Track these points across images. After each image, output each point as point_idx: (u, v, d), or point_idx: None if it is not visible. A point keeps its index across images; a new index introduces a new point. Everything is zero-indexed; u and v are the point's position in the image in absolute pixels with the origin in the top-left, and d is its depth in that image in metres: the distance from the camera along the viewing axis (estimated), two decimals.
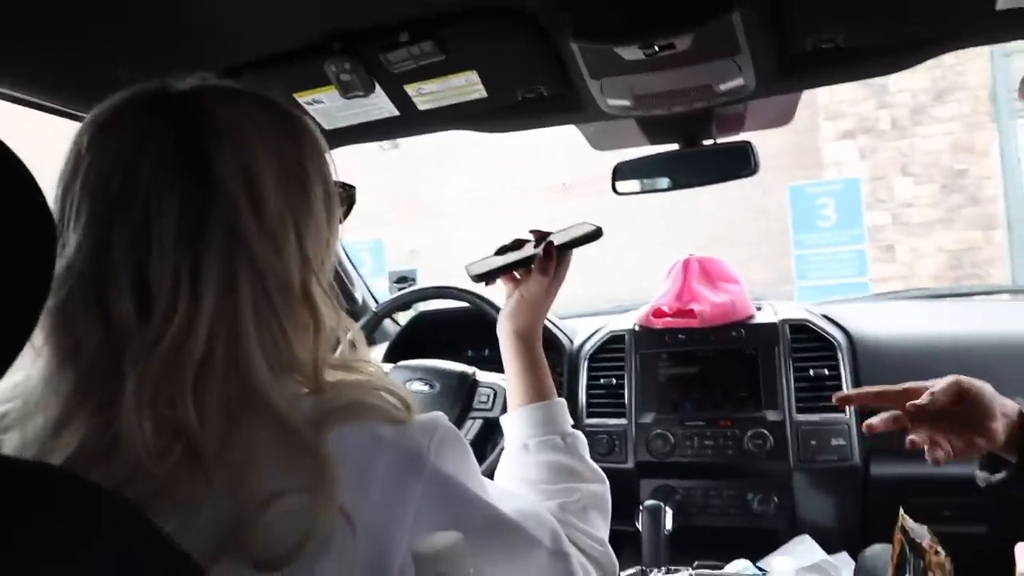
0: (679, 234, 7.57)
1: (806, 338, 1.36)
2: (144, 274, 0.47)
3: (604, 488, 0.77)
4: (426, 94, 1.06)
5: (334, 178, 0.58)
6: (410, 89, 1.04)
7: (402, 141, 8.66)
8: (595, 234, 0.84)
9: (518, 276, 0.84)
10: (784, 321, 1.39)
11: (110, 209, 0.48)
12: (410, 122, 1.13)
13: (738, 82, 1.02)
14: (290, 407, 0.48)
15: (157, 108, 0.50)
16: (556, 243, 0.82)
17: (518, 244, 0.86)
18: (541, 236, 0.85)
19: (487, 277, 0.84)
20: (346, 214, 0.63)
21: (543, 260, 0.81)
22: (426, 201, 8.84)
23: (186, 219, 0.47)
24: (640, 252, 7.92)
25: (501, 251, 0.86)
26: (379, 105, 1.07)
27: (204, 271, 0.47)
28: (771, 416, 1.32)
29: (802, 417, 1.30)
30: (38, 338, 0.47)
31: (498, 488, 0.62)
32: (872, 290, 4.81)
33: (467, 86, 1.05)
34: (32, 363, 0.48)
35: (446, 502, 0.53)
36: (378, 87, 1.01)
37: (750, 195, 7.64)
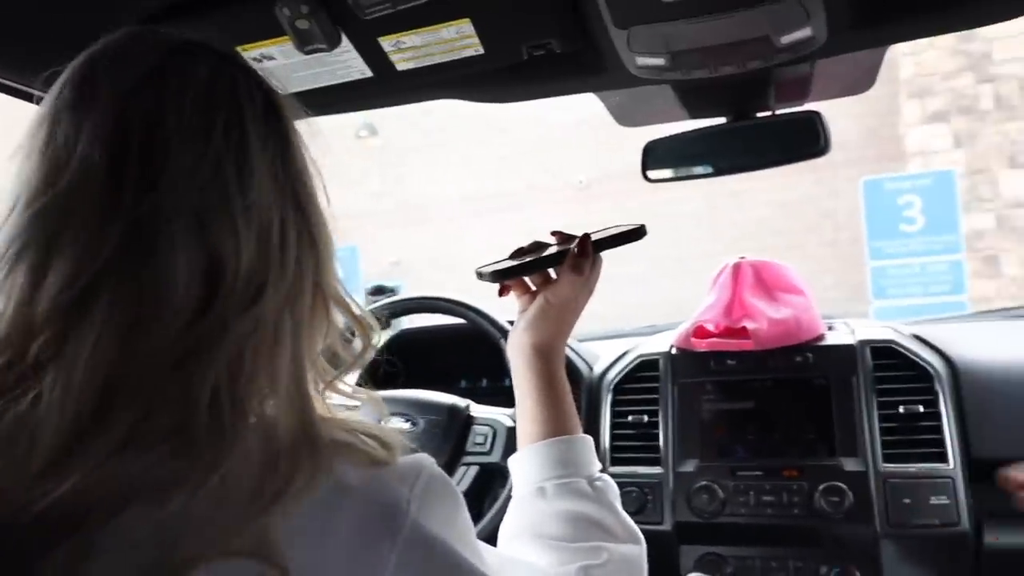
0: (721, 243, 7.60)
1: (894, 365, 1.34)
2: (252, 225, 0.52)
3: (640, 550, 0.76)
4: (406, 49, 1.04)
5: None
6: (386, 42, 1.02)
7: (384, 128, 8.73)
8: (637, 232, 0.87)
9: (533, 287, 0.86)
10: (865, 343, 1.36)
11: (219, 149, 0.52)
12: (387, 86, 1.12)
13: (805, 32, 1.00)
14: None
15: (230, 58, 0.58)
16: (593, 239, 0.84)
17: (538, 247, 0.87)
18: (565, 239, 0.87)
19: (509, 275, 0.84)
20: None
21: (578, 257, 0.82)
22: (412, 203, 8.89)
23: (278, 183, 0.55)
24: (673, 266, 7.95)
25: (518, 255, 0.87)
26: (347, 63, 1.06)
27: (290, 237, 0.54)
28: (849, 465, 1.29)
29: (891, 467, 1.27)
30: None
31: (498, 555, 0.62)
32: (970, 311, 4.77)
33: (459, 39, 1.03)
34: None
35: (428, 571, 0.52)
36: (345, 39, 0.99)
37: (812, 194, 7.67)
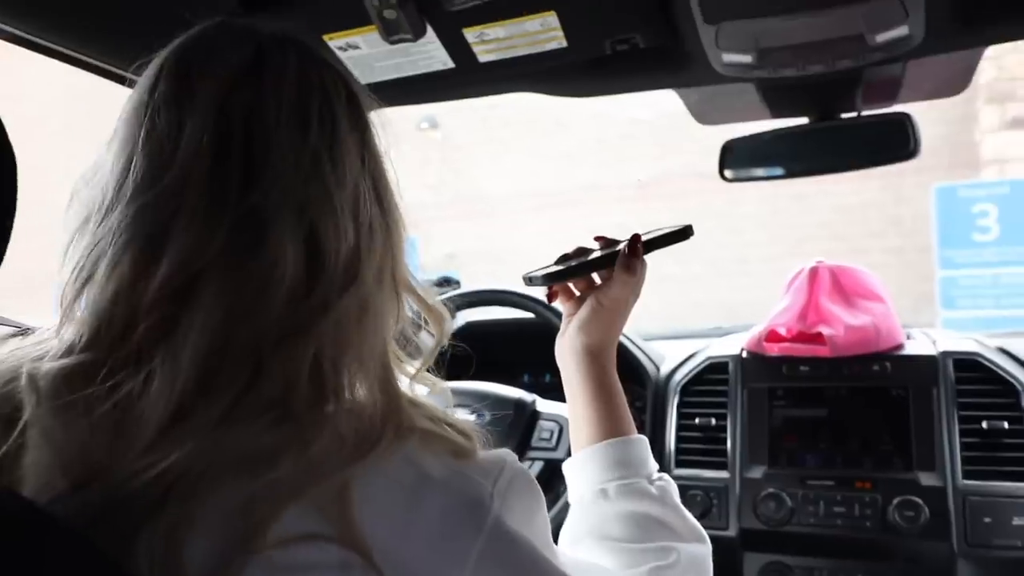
0: (783, 245, 7.45)
1: (977, 378, 1.31)
2: (347, 212, 0.53)
3: (706, 550, 0.74)
4: (490, 41, 1.03)
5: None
6: (470, 34, 1.02)
7: (445, 122, 8.78)
8: (685, 232, 0.86)
9: (578, 292, 0.85)
10: (947, 354, 1.33)
11: (316, 141, 0.53)
12: (468, 78, 1.12)
13: (901, 31, 0.98)
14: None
15: (310, 49, 0.58)
16: (642, 239, 0.84)
17: (582, 252, 0.87)
18: (609, 243, 0.86)
19: (558, 278, 0.84)
20: None
21: (629, 257, 0.81)
22: (469, 197, 8.92)
23: (361, 174, 0.56)
24: (731, 267, 7.83)
25: (563, 260, 0.86)
26: (430, 54, 1.06)
27: (374, 225, 0.55)
28: (926, 480, 1.26)
29: (971, 484, 1.24)
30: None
31: (570, 557, 0.61)
32: None
33: (543, 32, 1.03)
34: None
35: (508, 567, 0.51)
36: (430, 29, 1.00)
37: (879, 200, 7.47)
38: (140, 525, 0.43)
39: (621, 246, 0.83)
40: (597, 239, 0.88)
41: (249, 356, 0.48)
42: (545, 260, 0.89)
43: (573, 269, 0.83)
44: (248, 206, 0.50)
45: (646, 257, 0.84)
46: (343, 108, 0.56)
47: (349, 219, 0.53)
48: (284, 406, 0.48)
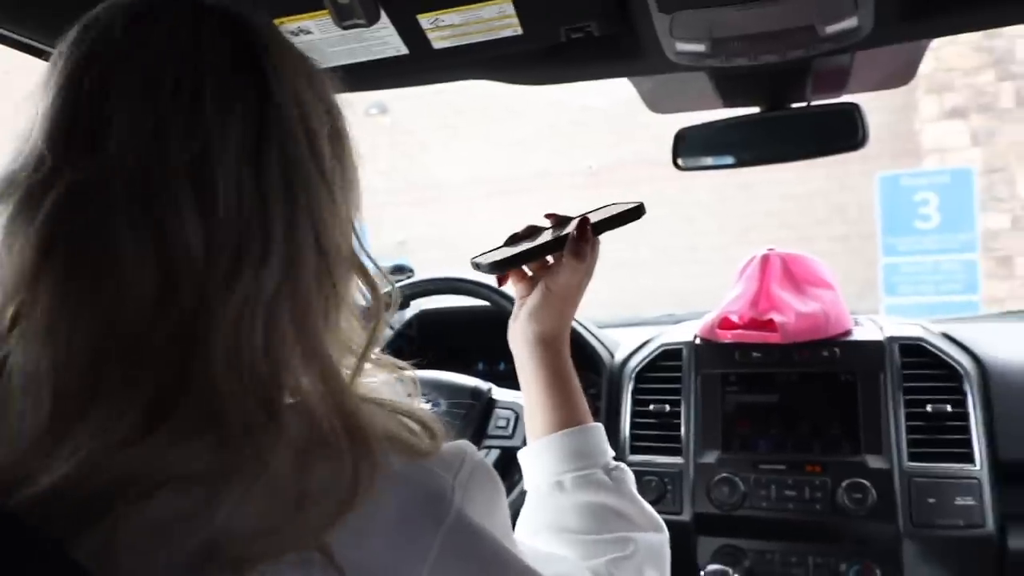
0: (731, 233, 7.57)
1: (922, 363, 1.33)
2: (208, 189, 0.47)
3: (663, 538, 0.75)
4: (445, 27, 1.02)
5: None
6: (425, 20, 1.00)
7: (394, 107, 8.68)
8: (636, 211, 0.84)
9: (531, 273, 0.84)
10: (893, 340, 1.35)
11: (166, 107, 0.48)
12: (422, 65, 1.11)
13: (850, 23, 0.99)
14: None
15: (203, 9, 0.52)
16: (592, 221, 0.82)
17: (533, 232, 0.85)
18: (560, 222, 0.84)
19: (506, 266, 0.81)
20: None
21: (577, 242, 0.79)
22: (420, 183, 8.85)
23: (248, 137, 0.49)
24: (681, 255, 7.92)
25: (512, 241, 0.84)
26: (383, 40, 1.04)
27: (270, 196, 0.49)
28: (874, 463, 1.28)
29: (916, 465, 1.26)
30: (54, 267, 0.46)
31: (532, 548, 0.60)
32: (982, 312, 4.74)
33: (498, 19, 1.02)
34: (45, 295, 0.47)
35: (470, 561, 0.51)
36: (384, 15, 0.98)
37: (824, 189, 7.62)
38: (70, 535, 0.41)
39: (570, 228, 0.81)
40: (548, 216, 0.86)
41: (136, 352, 0.45)
42: (493, 244, 0.87)
43: (520, 255, 0.81)
44: (76, 179, 0.47)
45: (599, 238, 0.82)
46: (221, 68, 0.50)
47: (209, 198, 0.47)
48: (216, 417, 0.45)
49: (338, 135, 0.56)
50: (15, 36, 0.95)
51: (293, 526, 0.43)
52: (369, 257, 0.57)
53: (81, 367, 0.45)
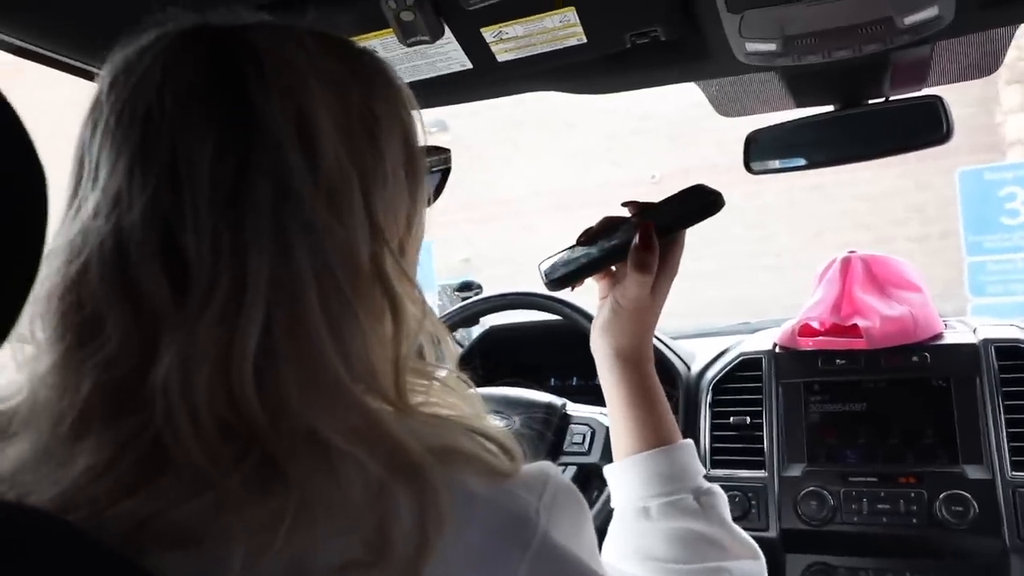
0: (803, 237, 7.40)
1: (1021, 366, 1.28)
2: (176, 238, 0.45)
3: (760, 565, 0.72)
4: (508, 39, 1.03)
5: (420, 139, 0.57)
6: (488, 33, 1.01)
7: (454, 123, 8.79)
8: (712, 205, 0.75)
9: (614, 268, 0.79)
10: (989, 342, 1.31)
11: (131, 159, 0.47)
12: (486, 78, 1.11)
13: (931, 12, 0.95)
14: (404, 430, 0.46)
15: (189, 41, 0.50)
16: (657, 224, 0.75)
17: (609, 225, 0.80)
18: (641, 210, 0.78)
19: (568, 281, 0.79)
20: (440, 187, 0.60)
21: (640, 251, 0.74)
22: (482, 200, 8.92)
23: (224, 167, 0.46)
24: (749, 262, 7.78)
25: (586, 238, 0.80)
26: (447, 55, 1.05)
27: (250, 233, 0.45)
28: (973, 473, 1.24)
29: (1021, 475, 1.21)
30: (46, 322, 0.47)
31: (620, 571, 0.60)
32: None
33: (561, 28, 1.02)
34: (40, 353, 0.48)
35: None
36: (448, 30, 0.99)
37: (899, 188, 7.41)
38: None
39: (631, 233, 0.74)
40: (626, 205, 0.80)
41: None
42: (568, 245, 0.83)
43: (581, 269, 0.78)
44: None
45: (681, 237, 0.77)
46: (188, 93, 0.47)
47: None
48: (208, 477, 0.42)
49: (369, 135, 0.52)
50: (62, 58, 0.97)
51: (379, 559, 0.42)
52: (405, 273, 0.52)
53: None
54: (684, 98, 1.35)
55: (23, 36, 0.92)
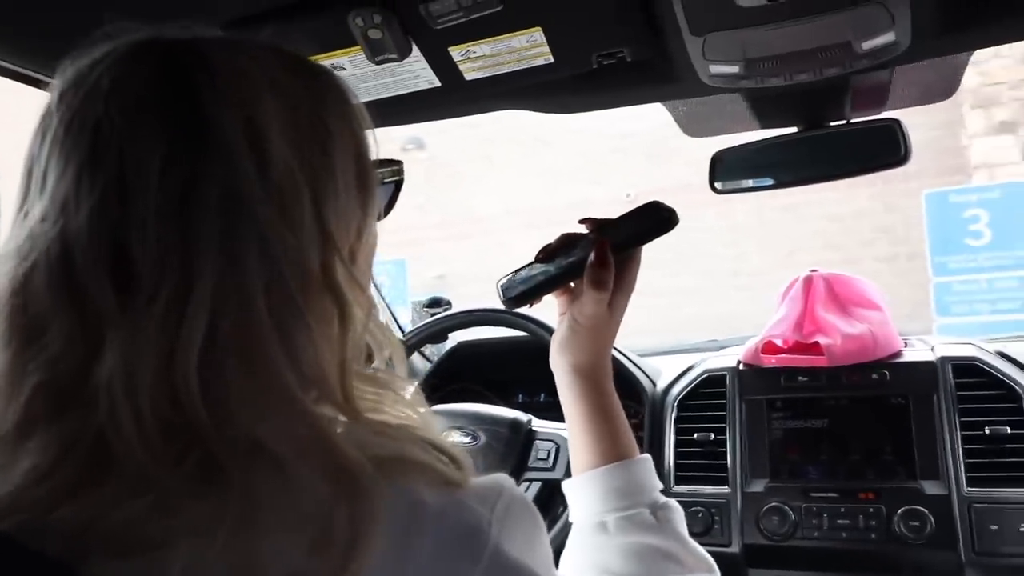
0: (774, 256, 7.48)
1: (977, 384, 1.30)
2: (122, 246, 0.45)
3: None
4: (476, 58, 1.04)
5: (373, 153, 0.57)
6: (456, 52, 1.02)
7: (430, 141, 8.80)
8: (666, 222, 0.76)
9: (573, 287, 0.79)
10: (946, 360, 1.33)
11: (79, 167, 0.47)
12: (454, 96, 1.12)
13: (888, 38, 0.98)
14: (350, 439, 0.46)
15: (141, 52, 0.50)
16: (613, 241, 0.76)
17: (568, 242, 0.80)
18: (598, 227, 0.79)
19: (526, 299, 0.79)
20: (392, 199, 0.60)
21: (596, 268, 0.75)
22: (457, 217, 8.93)
23: (172, 177, 0.46)
24: (724, 280, 7.84)
25: (544, 255, 0.80)
26: (416, 73, 1.06)
27: (198, 241, 0.45)
28: (931, 488, 1.25)
29: (976, 491, 1.23)
30: None
31: None
32: None
33: (529, 48, 1.03)
34: None
35: None
36: (416, 49, 1.00)
37: (869, 209, 7.52)
38: None
39: (589, 250, 0.75)
40: (583, 222, 0.80)
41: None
42: (527, 262, 0.83)
43: (538, 287, 0.78)
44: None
45: (638, 254, 0.77)
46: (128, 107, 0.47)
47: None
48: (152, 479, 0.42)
49: (320, 145, 0.52)
50: (14, 67, 0.97)
51: (316, 566, 0.42)
52: (354, 278, 0.51)
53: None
54: (661, 117, 1.36)
55: None
